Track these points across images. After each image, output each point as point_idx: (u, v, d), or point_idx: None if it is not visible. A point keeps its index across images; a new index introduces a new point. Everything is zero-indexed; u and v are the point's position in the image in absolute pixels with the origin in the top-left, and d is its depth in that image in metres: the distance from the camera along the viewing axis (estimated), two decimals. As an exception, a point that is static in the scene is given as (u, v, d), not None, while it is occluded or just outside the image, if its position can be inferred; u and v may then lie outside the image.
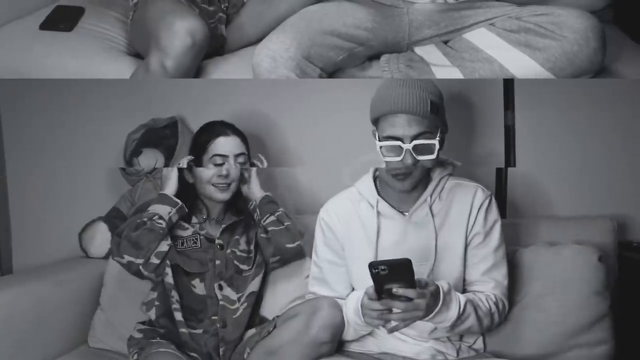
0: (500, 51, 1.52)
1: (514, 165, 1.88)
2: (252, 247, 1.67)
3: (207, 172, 1.64)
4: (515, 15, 1.53)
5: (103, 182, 2.11)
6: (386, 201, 1.48)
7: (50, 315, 1.71)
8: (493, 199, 1.49)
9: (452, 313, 1.32)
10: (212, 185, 1.64)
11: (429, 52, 1.61)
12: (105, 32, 1.82)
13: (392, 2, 1.64)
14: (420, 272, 1.41)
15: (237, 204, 1.71)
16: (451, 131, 1.88)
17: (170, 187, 1.63)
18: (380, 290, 1.25)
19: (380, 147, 1.39)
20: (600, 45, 1.47)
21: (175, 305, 1.60)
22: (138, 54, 1.72)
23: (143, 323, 1.67)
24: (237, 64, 1.69)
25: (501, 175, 1.88)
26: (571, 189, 1.89)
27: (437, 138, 1.38)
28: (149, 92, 2.02)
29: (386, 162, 1.41)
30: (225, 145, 1.65)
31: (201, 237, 1.66)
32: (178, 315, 1.60)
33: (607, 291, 1.54)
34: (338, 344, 1.47)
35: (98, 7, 1.92)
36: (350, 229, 1.51)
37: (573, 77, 1.48)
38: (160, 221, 1.58)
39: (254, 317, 1.67)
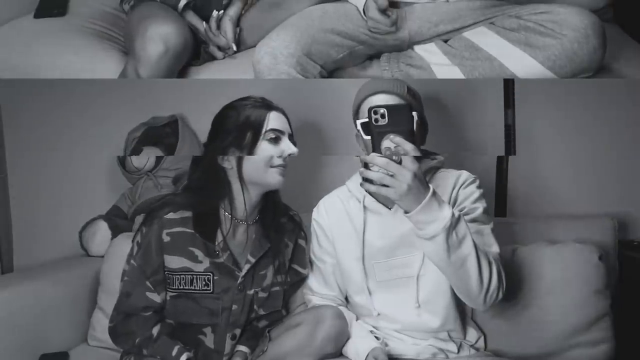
0: (501, 50, 1.52)
1: (510, 165, 1.88)
2: (277, 281, 1.47)
3: (269, 149, 1.40)
4: (515, 14, 1.54)
5: (104, 181, 2.11)
6: (373, 196, 1.48)
7: (51, 314, 1.70)
8: (478, 180, 1.46)
9: (446, 213, 1.20)
10: (271, 167, 1.41)
11: (429, 51, 1.61)
12: (106, 31, 1.82)
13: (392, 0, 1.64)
14: (410, 262, 1.42)
15: (269, 211, 1.48)
16: (451, 130, 1.90)
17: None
18: (378, 146, 1.18)
19: (361, 124, 1.39)
20: (600, 43, 1.47)
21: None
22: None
23: None
24: (237, 63, 1.69)
25: (501, 173, 1.88)
26: (571, 187, 1.89)
27: (415, 112, 1.36)
28: (149, 92, 2.02)
29: (366, 141, 1.39)
30: (281, 120, 1.44)
31: (215, 277, 1.40)
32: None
33: (608, 290, 1.54)
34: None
35: (99, 6, 1.92)
36: (339, 226, 1.50)
37: (573, 75, 1.49)
38: None
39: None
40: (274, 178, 1.41)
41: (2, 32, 1.80)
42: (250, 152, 1.40)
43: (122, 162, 2.00)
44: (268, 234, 1.46)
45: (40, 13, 1.82)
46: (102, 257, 1.87)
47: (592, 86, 1.79)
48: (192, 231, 1.40)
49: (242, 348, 1.43)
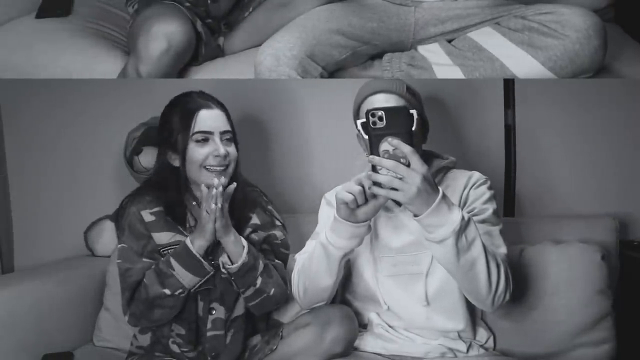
0: (503, 50, 1.52)
1: (515, 165, 1.88)
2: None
3: (198, 152, 1.42)
4: (521, 14, 1.53)
5: (107, 181, 2.11)
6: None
7: (52, 314, 1.71)
8: (489, 182, 1.47)
9: (455, 216, 1.19)
10: (206, 168, 1.42)
11: (432, 51, 1.61)
12: (109, 31, 1.82)
13: (400, 0, 1.64)
14: (418, 260, 1.42)
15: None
16: (451, 131, 1.90)
17: (205, 239, 1.39)
18: (376, 149, 1.18)
19: (361, 124, 1.37)
20: (601, 44, 1.47)
21: (176, 340, 1.47)
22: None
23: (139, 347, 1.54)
24: (238, 63, 1.69)
25: (510, 174, 1.88)
26: (571, 187, 1.88)
27: (415, 110, 1.35)
28: (149, 91, 2.02)
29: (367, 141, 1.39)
30: (209, 119, 1.43)
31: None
32: (175, 348, 1.48)
33: (610, 290, 1.54)
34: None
35: (102, 5, 1.92)
36: None
37: (574, 76, 1.48)
38: (183, 294, 1.40)
39: (246, 341, 1.50)
40: (211, 181, 1.39)
41: (2, 32, 1.79)
42: (183, 154, 1.43)
43: (129, 162, 2.00)
44: (231, 212, 1.43)
45: (42, 13, 1.81)
46: (108, 257, 1.88)
47: (592, 86, 1.79)
48: None
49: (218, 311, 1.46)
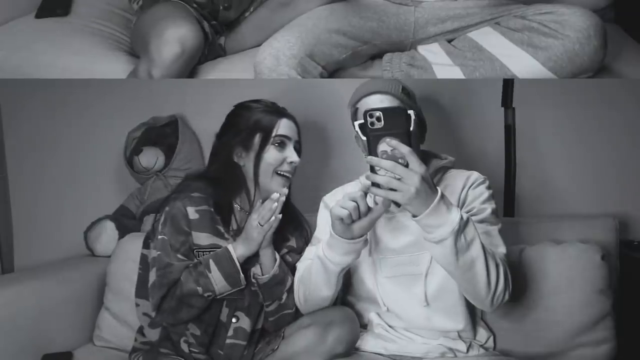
0: (503, 50, 1.52)
1: (515, 165, 1.88)
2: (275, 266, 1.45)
3: (275, 155, 1.47)
4: (520, 14, 1.54)
5: (107, 181, 2.12)
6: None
7: (52, 314, 1.71)
8: (487, 181, 1.46)
9: (454, 216, 1.18)
10: (277, 173, 1.47)
11: (432, 51, 1.61)
12: (109, 31, 1.82)
13: (400, 0, 1.64)
14: (418, 261, 1.41)
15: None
16: (451, 131, 1.90)
17: (249, 250, 1.42)
18: (374, 150, 1.17)
19: (358, 125, 1.38)
20: (601, 44, 1.47)
21: (188, 339, 1.47)
22: (141, 56, 1.71)
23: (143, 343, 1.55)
24: (239, 63, 1.69)
25: (510, 174, 1.88)
26: (571, 187, 1.89)
27: (412, 111, 1.34)
28: (149, 92, 2.03)
29: (365, 142, 1.38)
30: (288, 127, 1.50)
31: None
32: (185, 347, 1.47)
33: (610, 290, 1.54)
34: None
35: (103, 6, 1.92)
36: None
37: (573, 76, 1.49)
38: (210, 297, 1.41)
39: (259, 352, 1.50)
40: (277, 186, 1.45)
41: (2, 32, 1.80)
42: (258, 154, 1.46)
43: (129, 162, 2.00)
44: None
45: (42, 13, 1.81)
46: (108, 257, 1.88)
47: (592, 86, 1.79)
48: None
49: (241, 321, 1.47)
